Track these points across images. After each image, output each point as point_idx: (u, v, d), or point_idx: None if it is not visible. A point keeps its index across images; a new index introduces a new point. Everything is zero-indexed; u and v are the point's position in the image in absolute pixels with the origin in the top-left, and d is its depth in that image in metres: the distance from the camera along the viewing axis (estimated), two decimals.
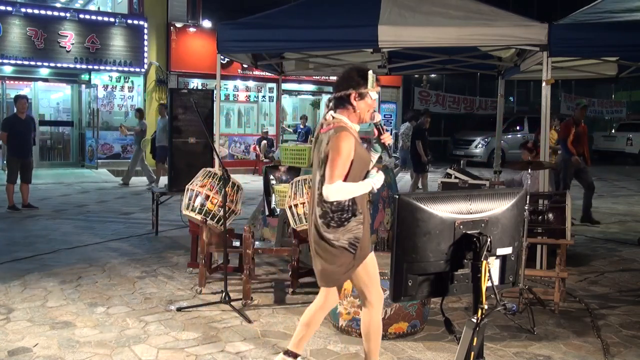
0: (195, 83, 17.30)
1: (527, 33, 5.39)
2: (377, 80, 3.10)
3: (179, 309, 4.61)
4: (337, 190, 2.94)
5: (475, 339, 1.95)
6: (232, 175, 4.93)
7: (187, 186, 5.25)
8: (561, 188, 8.58)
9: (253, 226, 5.95)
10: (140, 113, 13.70)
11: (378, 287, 3.23)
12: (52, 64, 15.32)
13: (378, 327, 3.24)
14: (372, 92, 3.08)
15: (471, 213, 1.99)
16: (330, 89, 20.13)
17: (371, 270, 3.20)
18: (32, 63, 15.08)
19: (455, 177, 6.73)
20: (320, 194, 3.03)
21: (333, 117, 3.10)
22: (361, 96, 3.06)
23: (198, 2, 17.45)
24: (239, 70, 17.47)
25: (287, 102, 19.75)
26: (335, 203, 3.01)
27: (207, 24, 16.99)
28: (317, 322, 3.34)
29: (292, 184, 5.07)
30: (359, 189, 3.02)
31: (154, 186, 11.81)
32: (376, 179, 3.09)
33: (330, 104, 3.16)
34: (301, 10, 6.20)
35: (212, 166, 6.54)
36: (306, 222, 4.89)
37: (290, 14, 6.24)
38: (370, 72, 3.08)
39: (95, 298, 4.91)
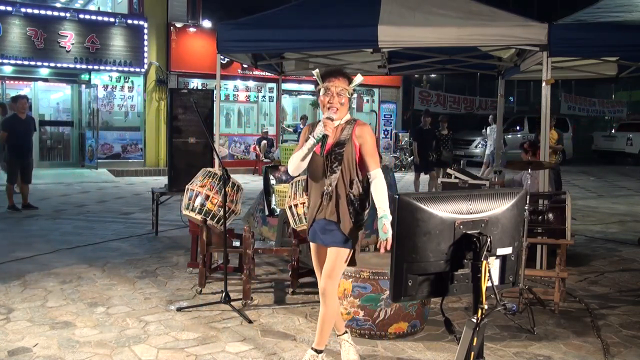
0: (195, 83, 17.31)
1: (527, 33, 5.39)
2: (328, 75, 3.37)
3: (179, 309, 4.61)
4: (289, 162, 3.43)
5: (475, 339, 1.95)
6: (232, 175, 4.93)
7: (187, 186, 5.26)
8: None
9: (248, 223, 5.96)
10: (1, 108, 11.91)
11: (323, 278, 3.41)
12: (52, 64, 15.32)
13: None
14: (322, 89, 3.37)
15: (471, 213, 1.99)
16: None
17: (314, 260, 3.57)
18: (32, 63, 15.08)
19: (455, 177, 6.73)
20: None
21: None
22: (319, 93, 3.41)
23: (198, 2, 17.45)
24: (239, 70, 17.48)
25: (287, 102, 19.76)
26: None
27: (207, 24, 16.99)
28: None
29: (292, 184, 5.07)
30: (300, 152, 3.36)
31: None
32: (314, 133, 3.33)
33: None
34: (301, 10, 6.20)
35: (212, 166, 6.55)
36: (306, 222, 4.89)
37: (290, 14, 6.23)
38: (314, 71, 3.45)
39: (95, 298, 4.91)
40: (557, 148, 9.20)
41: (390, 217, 3.12)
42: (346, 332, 3.69)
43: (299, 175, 4.13)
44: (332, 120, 3.27)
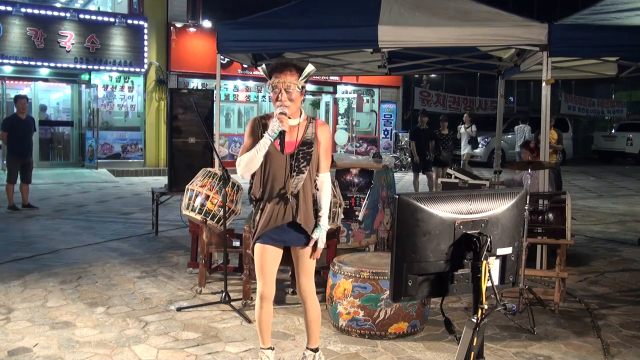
0: (195, 83, 17.30)
1: (527, 33, 5.39)
2: (275, 71, 3.18)
3: (179, 309, 4.61)
4: (238, 164, 3.20)
5: (475, 339, 1.95)
6: (232, 175, 4.93)
7: (187, 186, 5.26)
8: None
9: (250, 224, 5.95)
10: None
11: (264, 283, 3.31)
12: (52, 64, 15.32)
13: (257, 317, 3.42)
14: (270, 86, 3.20)
15: (471, 213, 1.99)
16: (330, 88, 20.24)
17: (260, 262, 3.30)
18: (32, 63, 15.07)
19: (455, 177, 6.73)
20: None
21: None
22: (269, 88, 3.23)
23: (198, 2, 17.44)
24: (239, 70, 17.47)
25: None
26: (250, 186, 3.34)
27: (207, 24, 16.98)
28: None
29: None
30: (253, 152, 3.15)
31: None
32: (269, 130, 3.13)
33: None
34: (301, 10, 6.20)
35: (212, 166, 6.54)
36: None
37: (291, 13, 6.23)
38: (260, 67, 3.32)
39: (95, 298, 4.91)
40: (557, 148, 9.24)
41: (327, 228, 3.28)
42: (318, 348, 3.49)
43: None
44: (285, 115, 3.13)
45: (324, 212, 3.28)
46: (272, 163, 3.20)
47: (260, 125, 3.24)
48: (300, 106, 3.27)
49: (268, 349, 3.45)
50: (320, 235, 3.25)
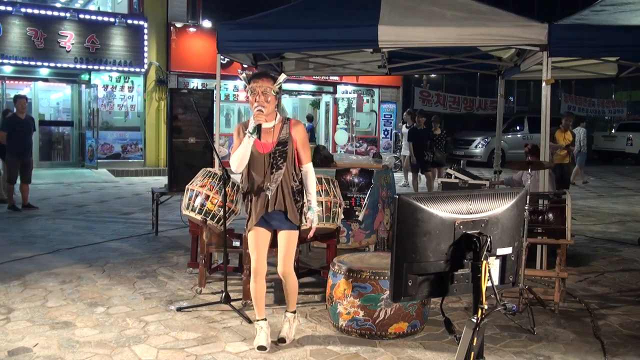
0: (195, 83, 17.29)
1: (527, 33, 5.39)
2: (253, 78, 3.72)
3: (179, 309, 4.61)
4: (232, 162, 3.73)
5: (475, 339, 1.95)
6: (232, 175, 4.93)
7: (187, 186, 5.26)
8: None
9: None
10: None
11: (257, 259, 3.82)
12: (52, 64, 15.30)
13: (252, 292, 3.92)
14: (249, 90, 3.72)
15: (471, 213, 1.99)
16: (330, 88, 20.25)
17: (253, 241, 3.83)
18: (32, 63, 15.06)
19: (455, 177, 6.73)
20: None
21: None
22: (247, 94, 3.76)
23: (198, 2, 17.43)
24: (239, 70, 17.45)
25: (287, 102, 19.74)
26: (239, 182, 3.97)
27: (207, 24, 16.98)
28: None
29: None
30: (240, 148, 3.68)
31: None
32: (248, 128, 3.65)
33: None
34: (301, 10, 6.20)
35: (212, 166, 6.54)
36: (305, 221, 4.90)
37: (290, 14, 6.23)
38: (241, 74, 3.81)
39: (95, 298, 4.91)
40: (571, 149, 9.41)
41: (317, 209, 3.90)
42: (295, 311, 4.04)
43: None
44: (262, 112, 3.65)
45: (313, 196, 3.85)
46: (255, 162, 3.76)
47: (243, 128, 3.77)
48: (275, 109, 3.79)
49: (262, 319, 3.92)
50: (313, 216, 3.84)
